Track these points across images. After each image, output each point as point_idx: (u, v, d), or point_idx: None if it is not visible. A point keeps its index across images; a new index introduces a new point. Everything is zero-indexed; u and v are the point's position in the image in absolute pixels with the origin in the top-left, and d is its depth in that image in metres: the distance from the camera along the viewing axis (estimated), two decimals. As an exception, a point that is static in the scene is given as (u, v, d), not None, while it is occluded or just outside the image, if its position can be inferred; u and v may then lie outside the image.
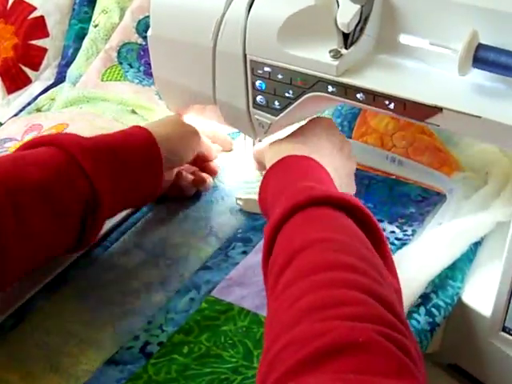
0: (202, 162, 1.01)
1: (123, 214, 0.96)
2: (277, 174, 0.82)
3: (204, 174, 1.01)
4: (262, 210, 0.85)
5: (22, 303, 0.85)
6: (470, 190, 0.97)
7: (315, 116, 0.93)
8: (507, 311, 0.79)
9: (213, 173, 1.02)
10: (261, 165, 0.93)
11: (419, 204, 0.97)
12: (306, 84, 0.81)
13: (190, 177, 0.99)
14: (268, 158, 0.87)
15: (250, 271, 0.88)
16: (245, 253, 0.91)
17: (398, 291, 0.70)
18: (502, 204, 0.92)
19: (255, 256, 0.90)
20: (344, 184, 0.86)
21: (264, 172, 0.85)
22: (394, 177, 1.02)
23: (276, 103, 0.85)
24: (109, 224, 0.95)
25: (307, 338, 0.56)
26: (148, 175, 0.90)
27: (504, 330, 0.81)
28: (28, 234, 0.78)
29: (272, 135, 0.91)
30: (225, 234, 0.94)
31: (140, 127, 0.91)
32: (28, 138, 1.06)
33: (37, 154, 0.82)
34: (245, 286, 0.86)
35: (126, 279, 0.88)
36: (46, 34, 1.28)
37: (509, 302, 0.78)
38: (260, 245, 0.91)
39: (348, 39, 0.79)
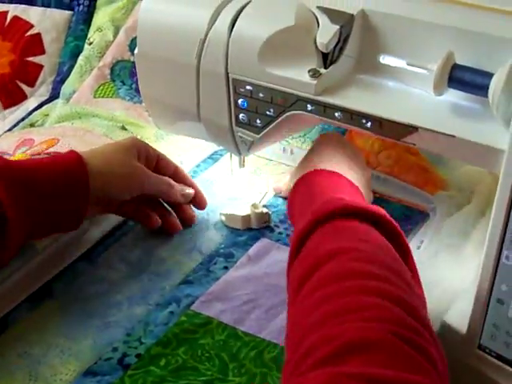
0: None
1: (109, 227, 0.98)
2: (304, 187, 0.85)
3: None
4: (290, 221, 0.89)
5: (5, 314, 0.86)
6: (453, 208, 0.98)
7: (323, 134, 0.98)
8: (482, 328, 0.79)
9: (187, 221, 1.00)
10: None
11: (402, 222, 0.97)
12: (286, 102, 0.83)
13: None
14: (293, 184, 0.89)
15: (231, 286, 0.89)
16: (226, 268, 0.92)
17: (423, 300, 0.72)
18: (485, 225, 0.93)
19: (236, 271, 0.91)
20: (365, 193, 0.89)
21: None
22: (378, 195, 1.03)
23: (258, 121, 0.87)
24: (94, 237, 0.97)
25: (326, 341, 0.58)
26: (69, 204, 0.87)
27: (480, 347, 0.81)
28: None
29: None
30: (208, 249, 0.95)
31: (76, 154, 0.88)
32: (19, 152, 1.08)
33: None
34: (225, 300, 0.87)
35: (109, 292, 0.90)
36: (42, 51, 1.31)
37: (484, 319, 0.79)
38: (241, 261, 0.93)
39: (327, 59, 0.81)
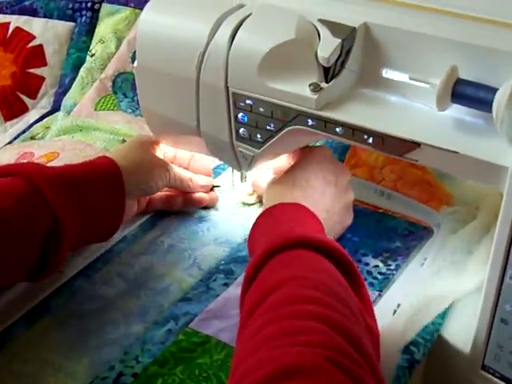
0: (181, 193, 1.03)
1: (108, 245, 0.96)
2: (265, 221, 0.86)
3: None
4: (248, 252, 0.87)
5: (1, 331, 0.85)
6: (458, 224, 0.97)
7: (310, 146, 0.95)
8: (486, 349, 0.78)
9: (197, 202, 1.03)
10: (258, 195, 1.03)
11: (405, 238, 0.97)
12: (287, 117, 0.81)
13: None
14: (264, 201, 0.92)
15: (230, 304, 0.87)
16: (226, 285, 0.90)
17: (375, 332, 0.72)
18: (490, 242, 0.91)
19: (236, 288, 0.89)
20: (338, 218, 0.91)
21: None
22: (381, 210, 1.01)
23: (258, 136, 0.85)
24: (92, 254, 0.95)
25: (260, 365, 0.58)
26: (110, 206, 0.91)
27: (484, 368, 0.79)
28: None
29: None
30: (207, 266, 0.94)
31: (106, 157, 0.92)
32: (19, 165, 1.07)
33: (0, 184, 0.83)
34: (223, 318, 0.86)
35: (107, 309, 0.88)
36: (44, 63, 1.30)
37: (488, 340, 0.77)
38: (241, 278, 0.90)
39: (328, 73, 0.80)
